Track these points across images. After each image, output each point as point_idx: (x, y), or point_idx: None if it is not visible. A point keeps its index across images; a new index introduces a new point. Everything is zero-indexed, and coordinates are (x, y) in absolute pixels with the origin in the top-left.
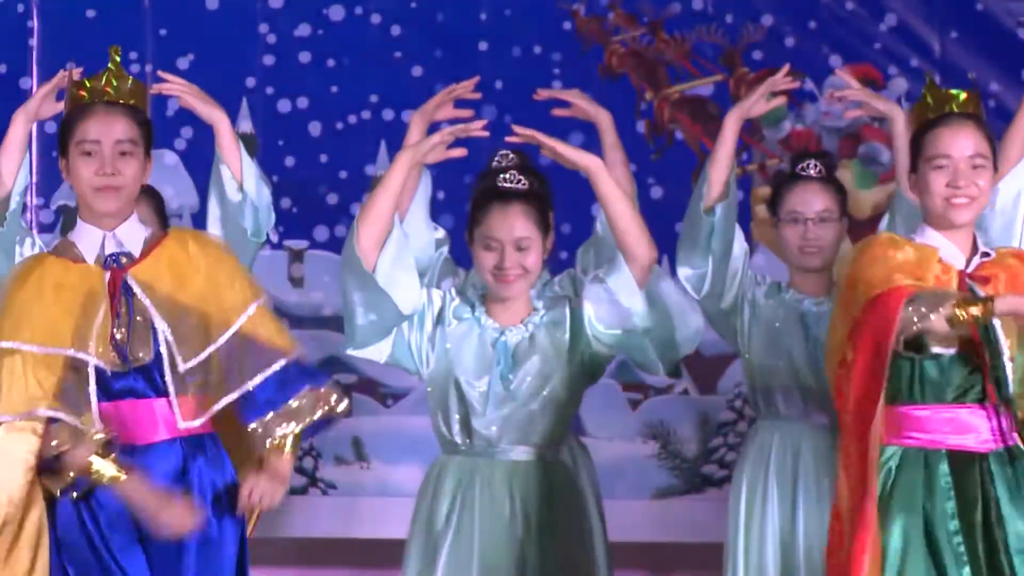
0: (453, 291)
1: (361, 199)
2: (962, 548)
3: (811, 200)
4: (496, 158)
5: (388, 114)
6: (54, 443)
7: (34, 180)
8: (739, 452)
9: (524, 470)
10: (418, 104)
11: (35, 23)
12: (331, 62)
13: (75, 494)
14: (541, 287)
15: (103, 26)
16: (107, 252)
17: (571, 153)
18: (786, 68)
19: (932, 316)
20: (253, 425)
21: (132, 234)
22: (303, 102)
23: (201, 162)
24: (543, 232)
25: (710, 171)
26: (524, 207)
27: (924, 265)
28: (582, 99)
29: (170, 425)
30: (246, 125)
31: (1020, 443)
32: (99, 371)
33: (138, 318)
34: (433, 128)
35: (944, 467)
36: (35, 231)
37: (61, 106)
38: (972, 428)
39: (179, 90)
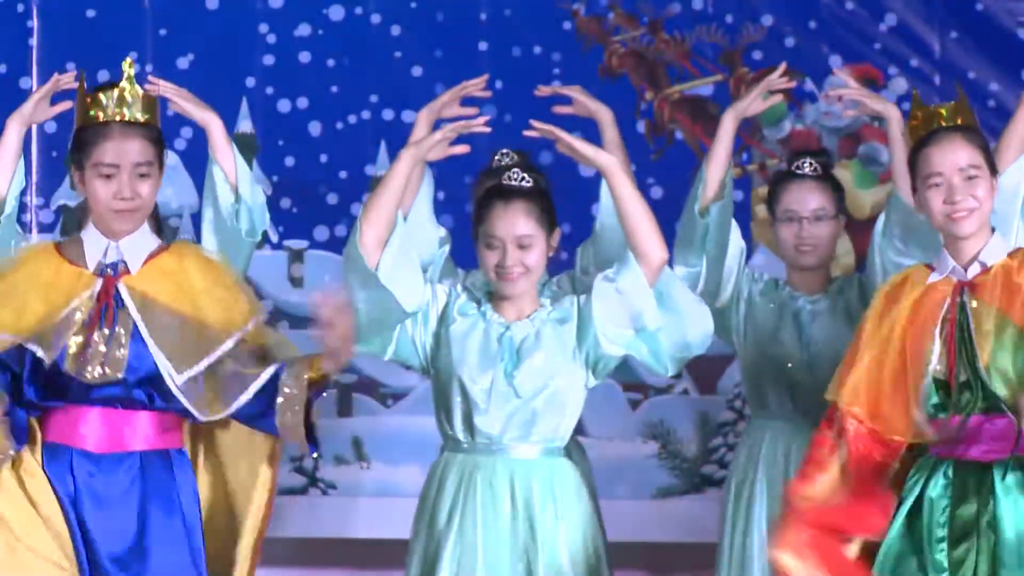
0: (459, 287)
1: (361, 199)
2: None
3: (806, 198)
4: (497, 157)
5: (388, 114)
6: None
7: (34, 180)
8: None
9: (526, 468)
10: (418, 104)
11: (35, 23)
12: (331, 62)
13: None
14: (540, 287)
15: (103, 26)
16: (107, 261)
17: (588, 150)
18: (783, 67)
19: None
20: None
21: (137, 246)
22: (303, 102)
23: (201, 162)
24: (546, 230)
25: (706, 171)
26: (526, 205)
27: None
28: (583, 95)
29: (140, 438)
30: (246, 125)
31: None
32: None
33: (119, 329)
34: (438, 126)
35: (947, 474)
36: (35, 231)
37: (56, 110)
38: (980, 438)
39: (169, 94)
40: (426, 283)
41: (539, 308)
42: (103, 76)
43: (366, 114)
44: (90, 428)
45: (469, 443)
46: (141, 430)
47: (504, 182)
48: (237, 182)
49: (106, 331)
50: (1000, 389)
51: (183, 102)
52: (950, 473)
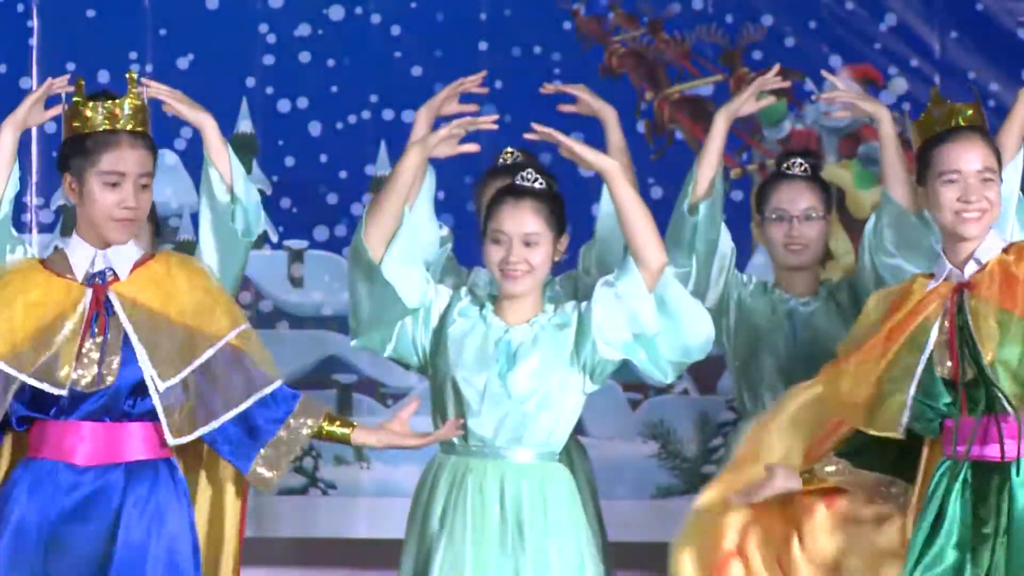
0: (464, 290)
1: (361, 199)
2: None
3: (796, 198)
4: (502, 156)
5: (388, 114)
6: None
7: (34, 180)
8: None
9: (517, 472)
10: (418, 104)
11: (35, 23)
12: (331, 62)
13: None
14: (543, 288)
15: (103, 26)
16: (95, 270)
17: (589, 154)
18: (776, 67)
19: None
20: (280, 433)
21: (123, 254)
22: (303, 102)
23: (201, 162)
24: (554, 232)
25: (697, 169)
26: (536, 204)
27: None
28: (588, 94)
29: (128, 450)
30: (246, 125)
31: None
32: (73, 391)
33: (111, 336)
34: (437, 125)
35: (966, 477)
36: (35, 231)
37: (50, 114)
38: (995, 437)
39: (163, 95)
40: (428, 281)
41: (541, 313)
42: (103, 76)
43: (366, 114)
44: (78, 441)
45: (462, 445)
46: (129, 441)
47: (517, 182)
48: (232, 182)
49: (99, 339)
50: (1005, 385)
51: (176, 103)
52: (968, 476)
